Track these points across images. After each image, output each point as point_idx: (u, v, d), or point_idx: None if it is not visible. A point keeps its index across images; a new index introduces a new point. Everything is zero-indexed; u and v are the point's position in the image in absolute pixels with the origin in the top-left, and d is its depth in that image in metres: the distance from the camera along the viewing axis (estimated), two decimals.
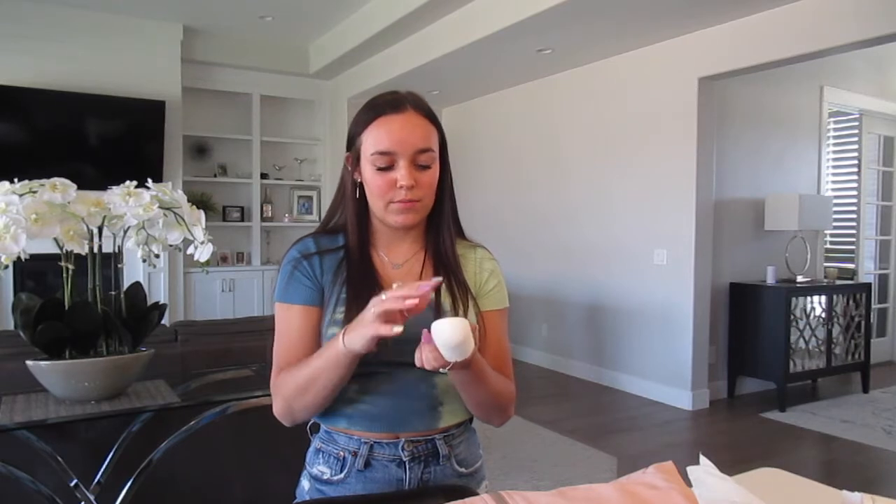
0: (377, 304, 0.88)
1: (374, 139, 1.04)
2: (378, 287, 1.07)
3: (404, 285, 0.89)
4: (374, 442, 1.06)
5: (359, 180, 1.10)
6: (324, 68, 5.98)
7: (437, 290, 1.09)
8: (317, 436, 1.13)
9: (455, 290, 1.10)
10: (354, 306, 1.02)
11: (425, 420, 1.08)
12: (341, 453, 1.08)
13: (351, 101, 6.07)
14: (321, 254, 1.10)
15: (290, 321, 1.08)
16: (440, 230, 1.14)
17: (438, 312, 1.07)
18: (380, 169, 1.04)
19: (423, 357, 0.88)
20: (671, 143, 4.35)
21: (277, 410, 1.07)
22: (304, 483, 1.14)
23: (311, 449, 1.15)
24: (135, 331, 1.73)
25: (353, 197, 1.11)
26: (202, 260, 1.72)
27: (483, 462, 1.20)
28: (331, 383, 0.99)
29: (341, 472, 1.08)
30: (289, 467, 1.32)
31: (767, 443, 3.75)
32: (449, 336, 0.85)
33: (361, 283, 1.07)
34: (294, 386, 1.02)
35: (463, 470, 1.12)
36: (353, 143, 1.10)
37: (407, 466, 1.07)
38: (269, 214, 6.33)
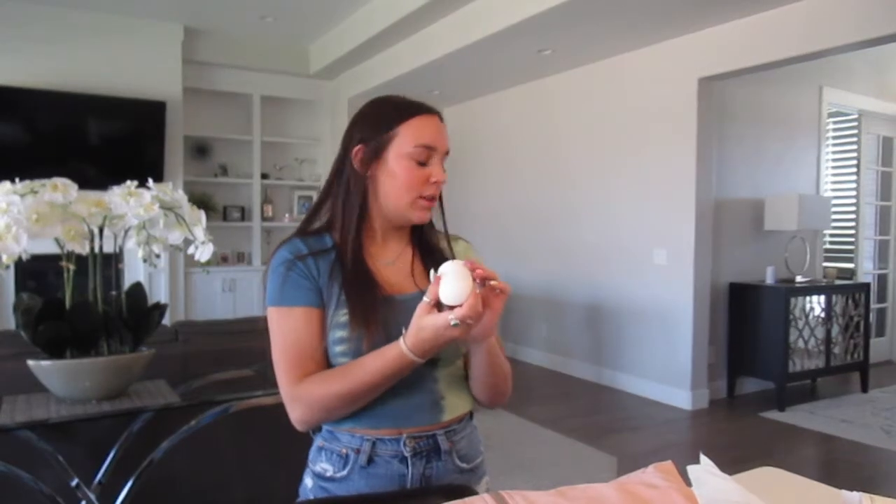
0: (457, 316, 0.91)
1: (416, 133, 1.06)
2: (374, 286, 1.08)
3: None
4: (377, 439, 1.07)
5: (367, 175, 1.09)
6: (324, 68, 5.98)
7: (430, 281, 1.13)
8: (318, 434, 1.14)
9: None
10: (357, 308, 1.04)
11: (429, 415, 1.09)
12: (344, 450, 1.08)
13: (351, 101, 6.07)
14: (314, 255, 1.09)
15: (296, 325, 1.05)
16: (424, 227, 1.17)
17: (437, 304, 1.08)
18: (418, 163, 1.07)
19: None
20: (671, 143, 4.36)
21: (301, 418, 1.04)
22: (308, 481, 1.14)
23: (313, 447, 1.15)
24: (135, 331, 1.74)
25: (360, 193, 1.09)
26: (203, 260, 1.72)
27: (484, 458, 1.20)
28: (383, 389, 1.02)
29: (344, 468, 1.08)
30: (289, 467, 1.32)
31: (767, 442, 3.76)
32: (452, 288, 0.92)
33: (359, 283, 1.06)
34: (341, 396, 1.01)
35: (464, 465, 1.13)
36: (374, 136, 1.08)
37: (409, 462, 1.07)
38: (270, 214, 6.33)
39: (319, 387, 1.02)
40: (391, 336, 1.00)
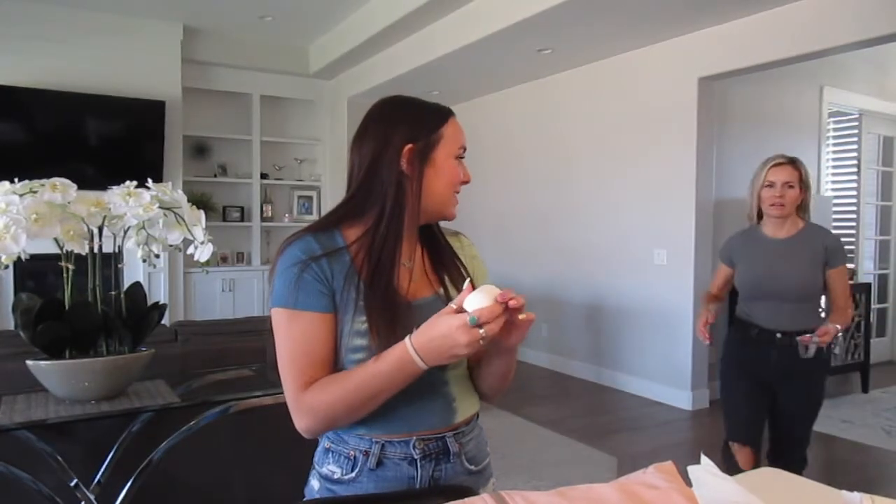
0: (478, 315, 0.90)
1: (458, 134, 1.12)
2: (395, 294, 1.04)
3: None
4: (386, 441, 1.06)
5: (411, 174, 1.06)
6: (324, 68, 5.98)
7: (443, 283, 1.12)
8: (325, 435, 1.11)
9: (457, 280, 1.13)
10: (379, 317, 1.01)
11: (442, 417, 1.08)
12: (352, 453, 1.07)
13: (351, 100, 6.07)
14: (328, 255, 1.04)
15: (307, 331, 1.01)
16: (433, 225, 1.17)
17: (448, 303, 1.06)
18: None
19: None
20: (671, 142, 4.35)
21: (308, 426, 1.02)
22: (314, 483, 1.12)
23: (319, 448, 1.13)
24: (135, 331, 1.74)
25: (415, 192, 1.06)
26: (202, 260, 1.72)
27: (490, 459, 1.20)
28: (391, 395, 0.99)
29: (352, 471, 1.06)
30: (289, 467, 1.32)
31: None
32: (480, 300, 0.92)
33: (380, 290, 1.03)
34: (345, 402, 0.98)
35: (472, 467, 1.12)
36: (423, 136, 1.07)
37: (418, 465, 1.06)
38: (269, 214, 6.33)
39: (323, 393, 0.99)
40: None
